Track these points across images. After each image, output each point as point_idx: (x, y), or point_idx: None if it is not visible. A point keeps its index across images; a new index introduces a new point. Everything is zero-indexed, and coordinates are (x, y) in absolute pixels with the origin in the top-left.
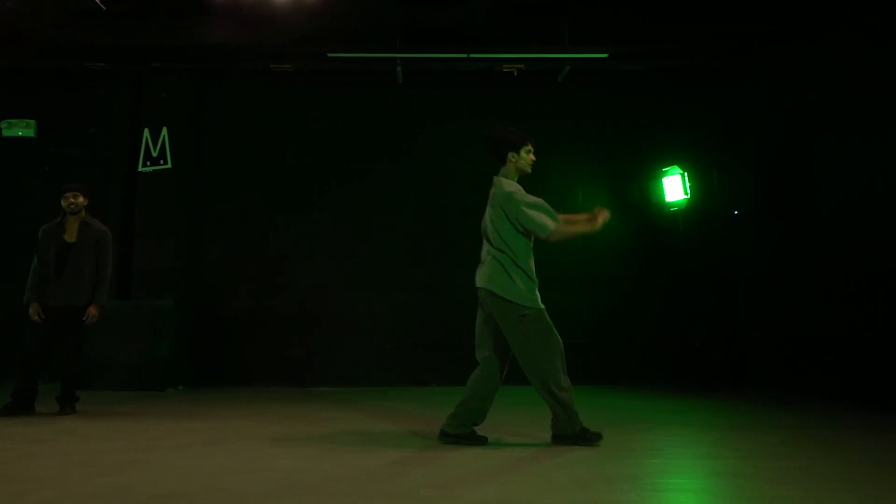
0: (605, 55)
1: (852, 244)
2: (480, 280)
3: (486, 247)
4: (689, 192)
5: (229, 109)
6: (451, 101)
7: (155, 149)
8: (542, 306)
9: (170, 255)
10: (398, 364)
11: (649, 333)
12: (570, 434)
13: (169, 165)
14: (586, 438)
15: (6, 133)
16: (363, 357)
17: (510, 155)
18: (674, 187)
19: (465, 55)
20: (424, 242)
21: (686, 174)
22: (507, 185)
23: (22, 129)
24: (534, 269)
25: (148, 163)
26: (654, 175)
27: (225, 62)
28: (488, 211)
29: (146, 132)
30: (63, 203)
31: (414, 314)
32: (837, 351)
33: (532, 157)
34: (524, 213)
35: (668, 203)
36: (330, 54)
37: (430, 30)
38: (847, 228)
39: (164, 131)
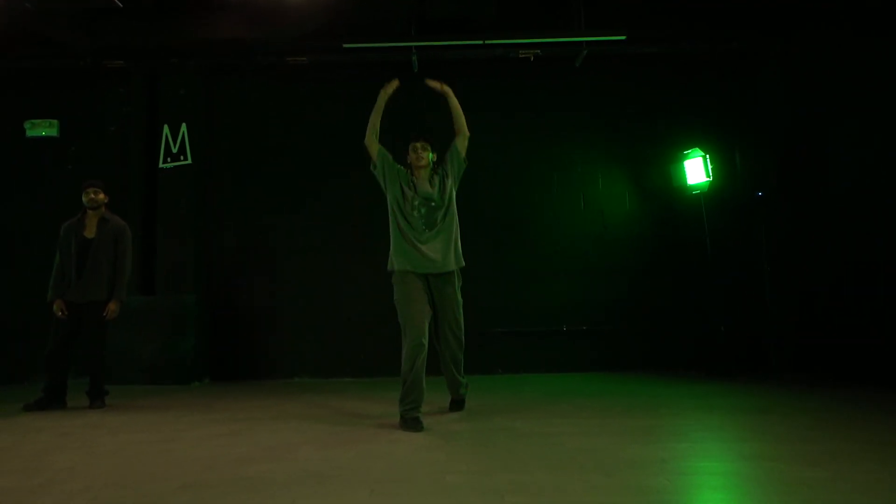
0: (623, 38)
1: (879, 226)
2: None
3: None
4: (710, 174)
5: (245, 103)
6: (467, 89)
7: (175, 145)
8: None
9: (190, 251)
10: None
11: (671, 319)
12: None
13: (189, 161)
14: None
15: (30, 133)
16: (384, 347)
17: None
18: (695, 170)
19: (480, 42)
20: None
21: (708, 157)
22: None
23: (45, 129)
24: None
25: (168, 159)
26: (675, 158)
27: (240, 56)
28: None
29: (166, 128)
30: (84, 198)
31: None
32: (864, 334)
33: (412, 153)
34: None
35: (690, 186)
36: (345, 45)
37: (444, 18)
38: (872, 210)
39: (184, 127)
